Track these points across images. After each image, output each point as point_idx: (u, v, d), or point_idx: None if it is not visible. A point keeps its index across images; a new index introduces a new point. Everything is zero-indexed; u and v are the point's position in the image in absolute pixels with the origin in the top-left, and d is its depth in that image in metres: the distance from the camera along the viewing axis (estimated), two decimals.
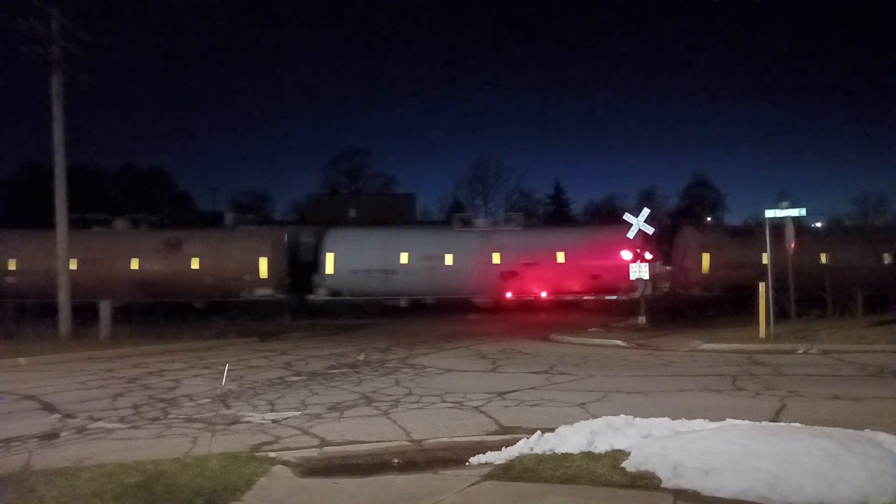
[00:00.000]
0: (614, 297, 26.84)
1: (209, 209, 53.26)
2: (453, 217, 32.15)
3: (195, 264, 27.29)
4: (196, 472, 5.29)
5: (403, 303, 27.64)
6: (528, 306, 27.45)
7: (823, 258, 26.28)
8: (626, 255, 20.46)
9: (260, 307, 25.06)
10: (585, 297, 27.71)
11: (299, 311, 25.47)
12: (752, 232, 30.29)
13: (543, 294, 27.86)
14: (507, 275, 27.91)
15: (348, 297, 27.42)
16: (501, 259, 28.24)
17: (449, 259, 28.25)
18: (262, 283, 27.25)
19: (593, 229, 32.91)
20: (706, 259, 28.13)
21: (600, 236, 29.17)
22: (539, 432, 6.16)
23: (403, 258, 28.11)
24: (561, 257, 28.12)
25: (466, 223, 30.58)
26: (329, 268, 27.89)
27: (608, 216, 42.54)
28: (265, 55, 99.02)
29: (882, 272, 25.01)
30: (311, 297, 27.68)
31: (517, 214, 33.07)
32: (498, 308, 27.43)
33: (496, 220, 31.83)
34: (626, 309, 24.61)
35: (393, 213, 50.62)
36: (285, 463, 5.79)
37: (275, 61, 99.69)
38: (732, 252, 27.95)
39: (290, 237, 29.40)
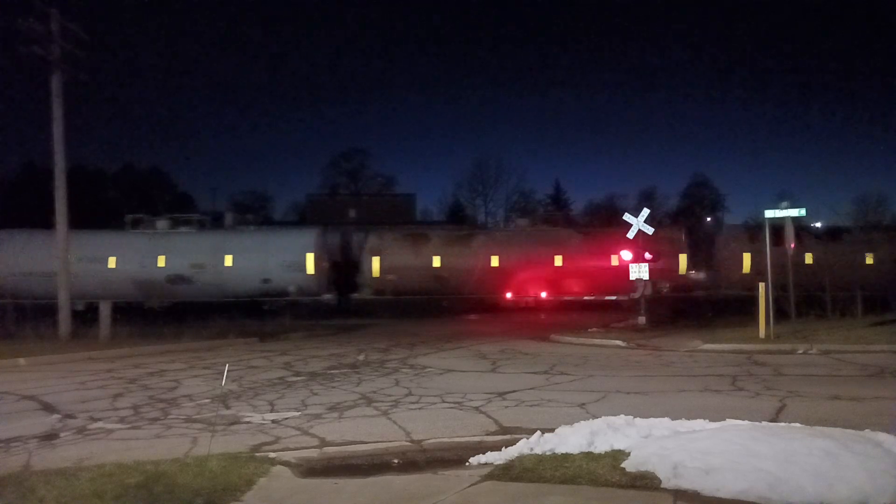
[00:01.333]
0: (614, 298, 26.81)
1: (209, 209, 53.25)
2: (126, 218, 30.61)
3: None
4: (196, 473, 5.28)
5: (79, 306, 25.51)
6: (200, 310, 25.77)
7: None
8: (627, 255, 19.98)
9: None
10: (257, 299, 27.45)
11: None
12: (426, 236, 31.16)
13: (210, 298, 27.06)
14: (175, 278, 27.59)
15: (10, 301, 25.68)
16: (167, 262, 27.77)
17: (112, 262, 27.75)
18: None
19: (269, 231, 32.08)
20: (376, 263, 28.92)
21: (275, 238, 29.05)
22: (539, 432, 6.14)
23: None
24: (229, 261, 27.85)
25: (140, 224, 29.56)
26: None
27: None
28: (265, 55, 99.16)
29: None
30: None
31: (199, 216, 31.90)
32: (171, 312, 26.12)
33: (177, 221, 30.03)
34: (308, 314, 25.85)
35: (393, 213, 50.63)
36: (285, 463, 5.77)
37: (275, 61, 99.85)
38: (402, 258, 29.00)
39: None
